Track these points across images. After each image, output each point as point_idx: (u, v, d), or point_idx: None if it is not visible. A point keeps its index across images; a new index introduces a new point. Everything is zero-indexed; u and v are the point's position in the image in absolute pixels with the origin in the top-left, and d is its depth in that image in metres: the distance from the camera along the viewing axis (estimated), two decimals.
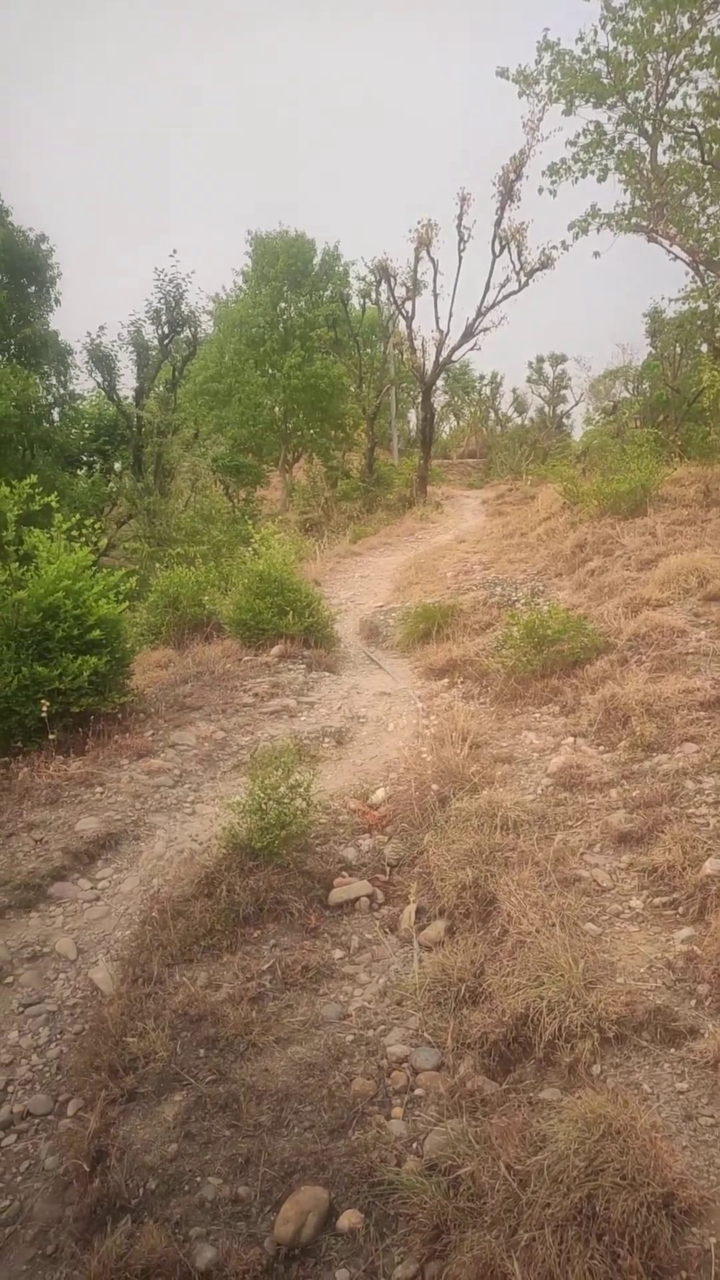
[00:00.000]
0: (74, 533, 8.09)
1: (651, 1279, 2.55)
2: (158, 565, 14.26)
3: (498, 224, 22.34)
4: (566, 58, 17.81)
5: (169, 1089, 3.70)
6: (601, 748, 6.26)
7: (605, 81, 17.58)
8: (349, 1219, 3.09)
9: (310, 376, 31.31)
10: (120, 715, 7.88)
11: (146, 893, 5.35)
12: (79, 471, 27.76)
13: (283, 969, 4.44)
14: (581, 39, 17.56)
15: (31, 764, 7.00)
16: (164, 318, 21.38)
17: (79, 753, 7.27)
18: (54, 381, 25.60)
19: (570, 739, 6.49)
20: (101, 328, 21.08)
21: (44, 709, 7.05)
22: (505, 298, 23.22)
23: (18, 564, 7.56)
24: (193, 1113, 3.57)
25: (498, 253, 22.69)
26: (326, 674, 9.56)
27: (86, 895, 5.49)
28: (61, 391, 26.17)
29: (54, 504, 7.87)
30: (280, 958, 4.53)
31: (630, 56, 17.29)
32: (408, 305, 25.29)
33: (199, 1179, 3.30)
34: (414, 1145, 3.35)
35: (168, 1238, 3.04)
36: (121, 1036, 3.97)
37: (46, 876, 5.62)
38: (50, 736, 7.18)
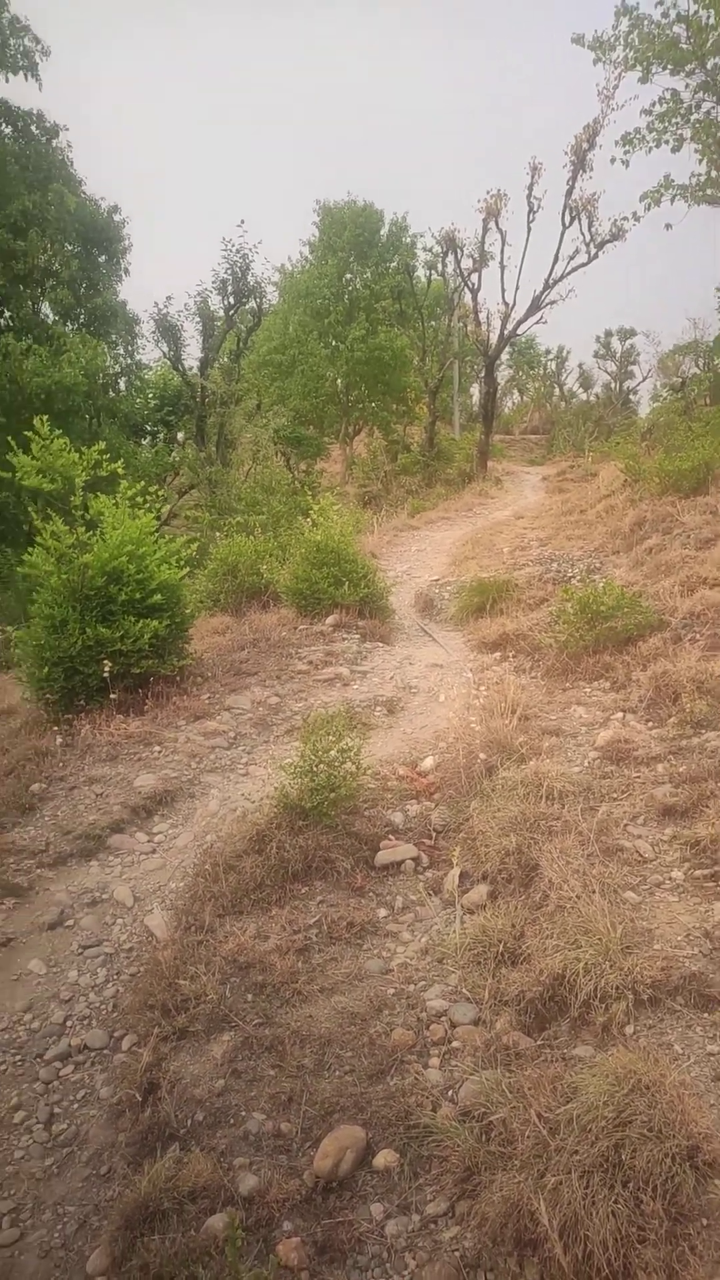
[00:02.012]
0: (138, 499, 8.30)
1: (672, 1223, 2.65)
2: (218, 534, 14.49)
3: (569, 194, 21.92)
4: (645, 22, 17.36)
5: (218, 1029, 3.89)
6: (650, 723, 6.29)
7: (684, 47, 17.10)
8: (385, 1158, 3.24)
9: (373, 349, 31.23)
10: (179, 678, 8.10)
11: (200, 847, 5.55)
12: (143, 441, 28.16)
13: (329, 924, 4.60)
14: (661, 2, 17.10)
15: (93, 722, 7.26)
16: (230, 288, 21.50)
17: (138, 713, 7.51)
18: (121, 351, 25.92)
19: (619, 714, 6.53)
20: (169, 298, 21.32)
21: (106, 669, 7.29)
22: (574, 270, 22.83)
23: (84, 528, 7.79)
24: (240, 1052, 3.76)
25: (567, 224, 22.28)
26: (380, 644, 9.68)
27: (143, 847, 5.72)
28: (128, 361, 26.49)
29: (120, 471, 8.08)
30: (326, 913, 4.69)
31: (711, 20, 16.78)
32: (474, 277, 25.02)
33: (244, 1113, 3.48)
34: (449, 1093, 3.48)
35: (213, 1165, 3.23)
36: (174, 979, 4.17)
37: (106, 828, 5.86)
38: (112, 696, 7.43)
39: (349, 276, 32.45)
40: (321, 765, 5.35)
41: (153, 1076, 3.68)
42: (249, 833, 5.29)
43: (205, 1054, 3.78)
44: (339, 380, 33.32)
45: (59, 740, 7.09)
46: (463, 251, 25.39)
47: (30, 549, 7.77)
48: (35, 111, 21.02)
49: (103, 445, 7.81)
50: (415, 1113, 3.38)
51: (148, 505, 8.39)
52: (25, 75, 19.53)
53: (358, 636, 9.59)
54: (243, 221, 34.38)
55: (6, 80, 19.26)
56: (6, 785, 6.55)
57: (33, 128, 20.88)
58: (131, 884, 5.30)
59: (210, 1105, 3.52)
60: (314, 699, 7.98)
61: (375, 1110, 3.43)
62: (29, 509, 17.65)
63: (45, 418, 7.74)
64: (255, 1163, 3.28)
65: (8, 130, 20.63)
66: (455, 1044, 3.75)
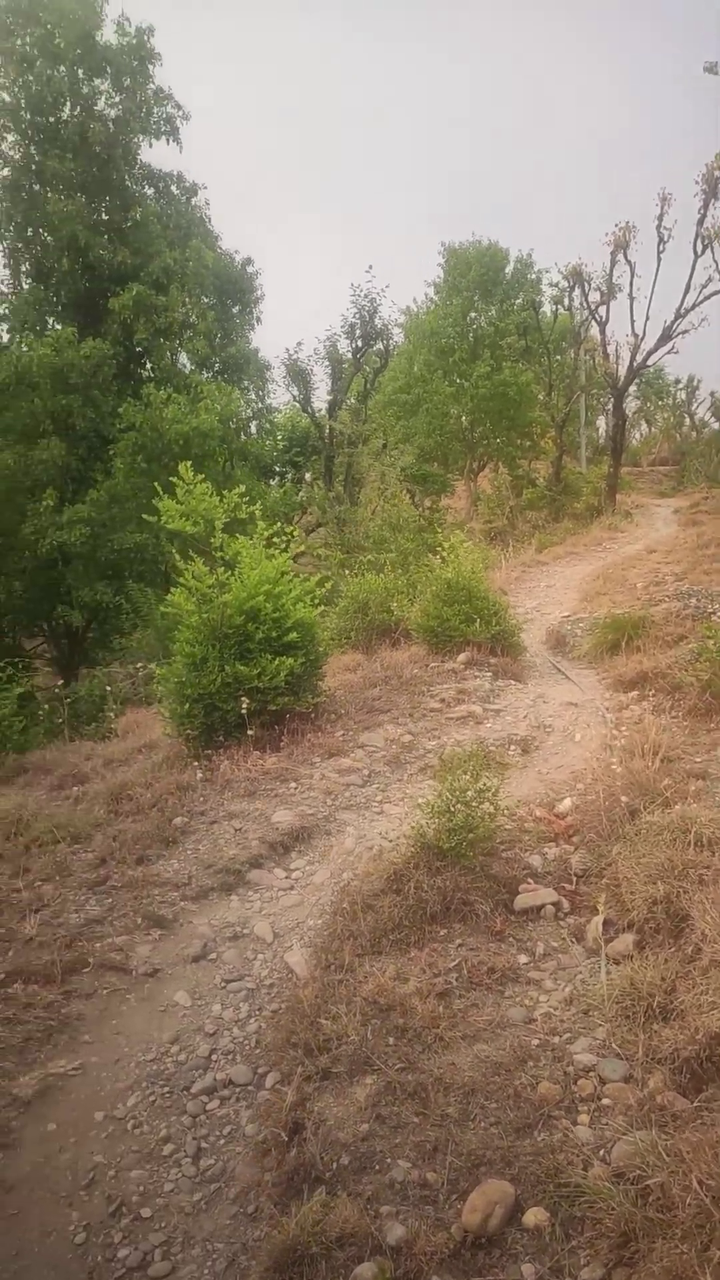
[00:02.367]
0: (274, 540, 8.52)
1: None
2: (346, 572, 14.71)
3: (700, 222, 21.50)
4: None
5: (360, 1071, 3.87)
6: None
7: None
8: (535, 1216, 3.14)
9: (498, 385, 31.18)
10: (313, 715, 8.22)
11: (337, 885, 5.58)
12: (271, 481, 28.97)
13: (469, 968, 4.53)
14: None
15: (232, 758, 7.44)
16: (358, 331, 21.96)
17: (275, 749, 7.65)
18: (253, 396, 26.85)
19: None
20: (299, 343, 21.97)
21: (244, 706, 7.47)
22: (706, 299, 22.31)
23: (223, 569, 8.05)
24: (383, 1097, 3.72)
25: (700, 252, 21.83)
26: (512, 682, 9.58)
27: (281, 883, 5.79)
28: (259, 405, 27.41)
29: (257, 513, 8.32)
30: (466, 957, 4.62)
31: None
32: (602, 310, 24.77)
33: (389, 1160, 3.44)
34: (600, 1152, 3.35)
35: (360, 1211, 3.20)
36: (316, 1018, 4.18)
37: (245, 863, 5.97)
38: (249, 732, 7.60)
39: (473, 315, 32.62)
40: (459, 805, 5.31)
41: (297, 1116, 3.69)
42: (386, 872, 5.28)
43: (348, 1096, 3.77)
44: (464, 417, 33.41)
45: (199, 775, 7.29)
46: (590, 285, 25.21)
47: (170, 589, 8.07)
48: (176, 173, 22.20)
49: (242, 488, 8.07)
50: (565, 1171, 3.26)
51: (282, 545, 8.60)
52: (167, 140, 20.66)
53: (490, 674, 9.51)
54: (371, 267, 35.27)
55: (150, 145, 20.41)
56: (150, 818, 6.77)
57: (173, 188, 22.03)
58: (271, 920, 5.37)
59: (355, 1149, 3.50)
60: (447, 737, 7.94)
61: (523, 1166, 3.33)
62: (167, 550, 18.37)
63: (188, 463, 8.06)
64: (402, 1212, 3.24)
65: (150, 192, 21.82)
66: (605, 1101, 3.61)
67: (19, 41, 19.36)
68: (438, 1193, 3.31)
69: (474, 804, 5.35)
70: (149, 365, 21.96)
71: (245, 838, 6.29)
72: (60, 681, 13.69)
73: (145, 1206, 3.46)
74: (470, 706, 8.55)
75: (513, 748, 7.67)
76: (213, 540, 8.10)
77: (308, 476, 28.90)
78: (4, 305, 21.18)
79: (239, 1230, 3.36)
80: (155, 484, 8.59)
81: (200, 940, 5.16)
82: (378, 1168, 3.43)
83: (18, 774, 9.04)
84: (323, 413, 23.34)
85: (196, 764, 7.53)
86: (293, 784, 7.05)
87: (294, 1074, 3.91)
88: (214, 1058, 4.23)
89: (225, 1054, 4.26)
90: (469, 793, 5.41)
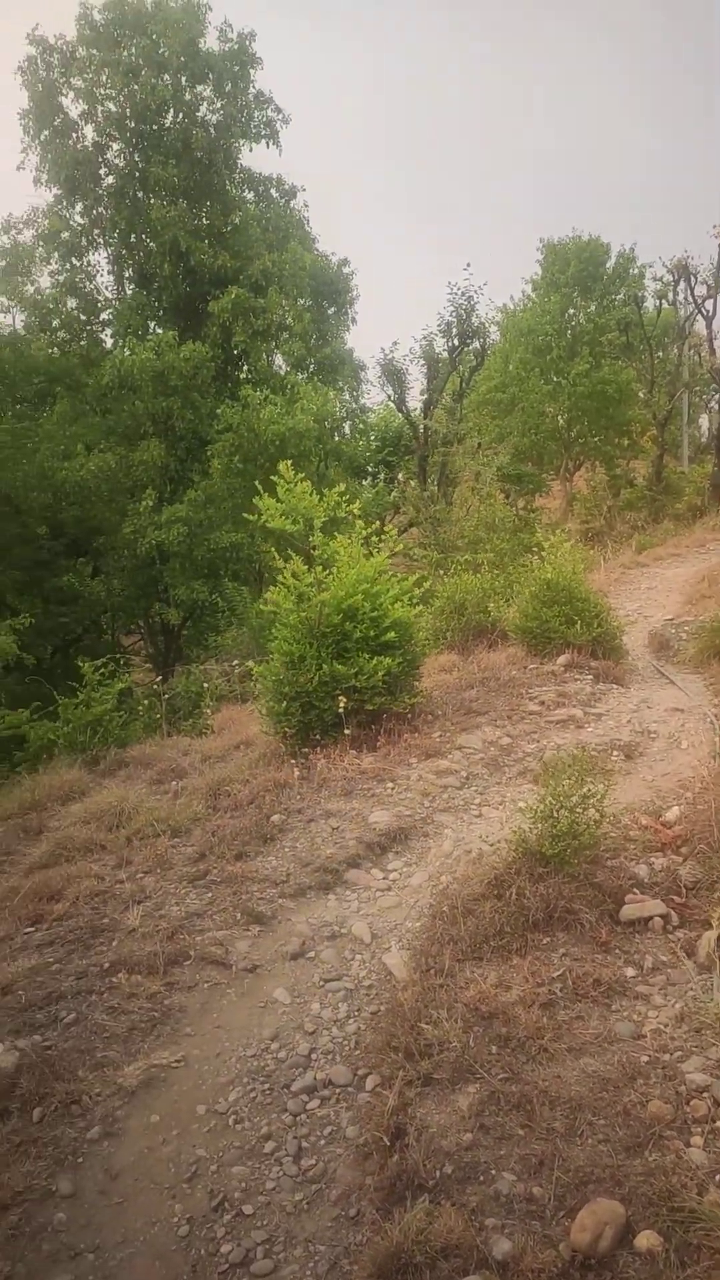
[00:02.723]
0: (372, 539, 8.50)
1: None
2: (441, 572, 14.61)
3: None
4: None
5: (463, 1079, 3.80)
6: None
7: None
8: (647, 1239, 3.02)
9: (597, 383, 30.62)
10: (409, 715, 8.16)
11: (435, 888, 5.51)
12: (363, 481, 29.03)
13: (574, 979, 4.41)
14: None
15: (328, 756, 7.45)
16: (455, 330, 21.82)
17: (371, 749, 7.62)
18: (347, 396, 26.97)
19: None
20: (395, 343, 21.96)
21: (341, 705, 7.47)
22: None
23: (321, 568, 8.06)
24: (486, 1106, 3.64)
25: None
26: (614, 686, 9.34)
27: (379, 884, 5.75)
28: (353, 405, 27.51)
29: (355, 512, 8.32)
30: (571, 968, 4.49)
31: None
32: (708, 304, 24.07)
33: (493, 1171, 3.36)
34: (717, 1177, 3.21)
35: (465, 1223, 3.13)
36: (416, 1022, 4.13)
37: (342, 863, 5.95)
38: (345, 731, 7.59)
39: (572, 311, 32.09)
40: (563, 810, 5.18)
41: (399, 1121, 3.64)
42: (486, 876, 5.19)
43: (451, 1104, 3.70)
44: (560, 416, 32.90)
45: (296, 773, 7.32)
46: (696, 278, 24.51)
47: (263, 588, 8.14)
48: (275, 176, 22.45)
49: (342, 487, 8.08)
50: (679, 1194, 3.13)
51: (380, 545, 8.58)
52: (267, 143, 20.90)
53: (591, 677, 9.30)
54: (469, 265, 34.97)
55: (250, 150, 20.68)
56: (248, 815, 6.82)
57: (273, 191, 22.28)
58: (368, 920, 5.33)
59: (459, 1159, 3.42)
60: (547, 740, 7.79)
61: (633, 1186, 3.21)
62: (265, 550, 18.60)
63: (288, 462, 8.11)
64: (508, 1226, 3.15)
65: (250, 196, 22.12)
66: None
67: (125, 53, 19.85)
68: (544, 1208, 3.21)
69: (578, 810, 5.21)
70: (246, 367, 22.26)
71: (342, 837, 6.28)
72: (159, 678, 13.96)
73: (247, 1203, 3.46)
74: (571, 710, 8.37)
75: (615, 753, 7.47)
76: (311, 539, 8.12)
77: (400, 476, 28.87)
78: (108, 311, 21.76)
79: (341, 1233, 3.33)
80: (256, 483, 8.67)
81: (298, 938, 5.16)
82: (482, 1179, 3.35)
83: (119, 768, 9.24)
84: (418, 412, 23.26)
85: (293, 762, 7.56)
86: (389, 784, 7.01)
87: (395, 1078, 3.86)
88: (314, 1057, 4.22)
89: (325, 1054, 4.24)
90: (573, 798, 5.27)
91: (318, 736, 7.71)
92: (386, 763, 7.35)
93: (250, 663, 8.75)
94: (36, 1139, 3.74)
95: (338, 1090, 4.00)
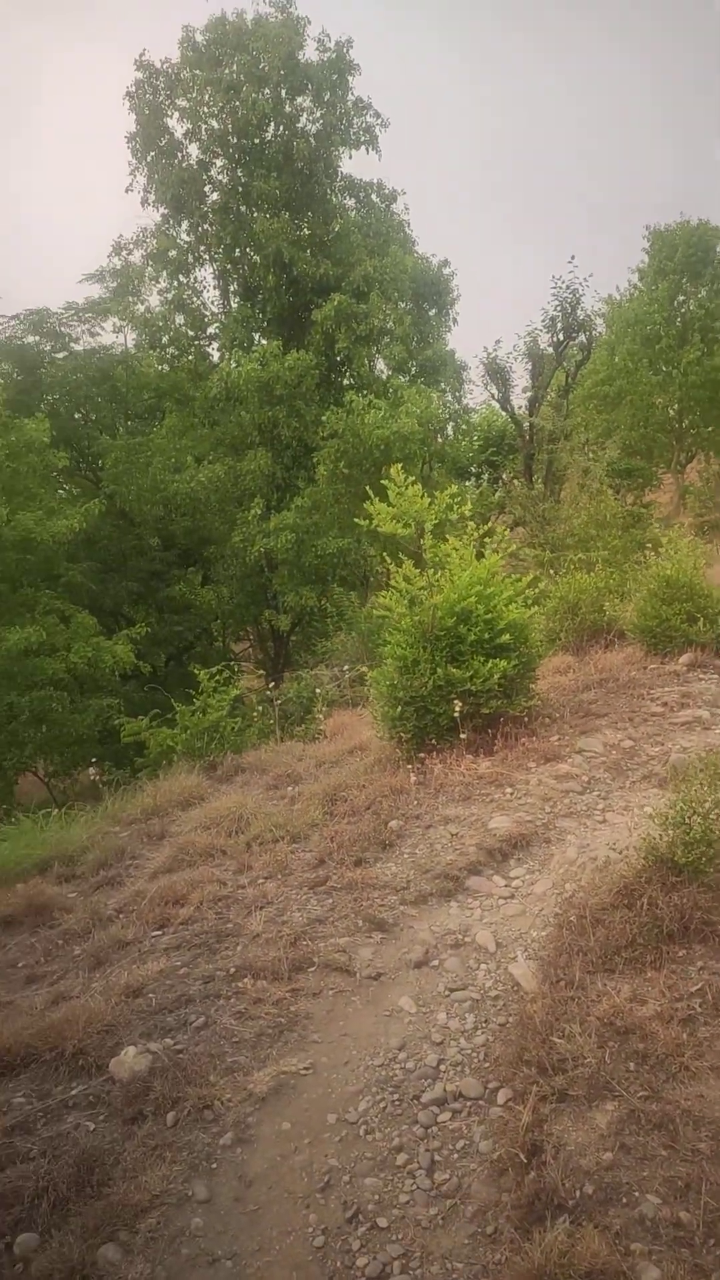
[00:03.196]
0: (484, 540, 8.39)
1: None
2: (552, 571, 14.34)
3: None
4: None
5: (599, 1096, 3.67)
6: None
7: None
8: None
9: (710, 371, 29.55)
10: (526, 719, 8.01)
11: (561, 896, 5.37)
12: (467, 482, 28.82)
13: (714, 994, 4.21)
14: None
15: (444, 761, 7.37)
16: (559, 325, 21.44)
17: (488, 753, 7.51)
18: (450, 397, 26.81)
19: None
20: (498, 341, 21.75)
21: (456, 709, 7.38)
22: None
23: (434, 571, 8.00)
24: (626, 1125, 3.51)
25: None
26: None
27: (501, 891, 5.64)
28: (456, 406, 27.33)
29: (467, 513, 8.22)
30: (710, 982, 4.29)
31: None
32: None
33: (636, 1193, 3.23)
34: None
35: (609, 1246, 3.01)
36: (548, 1035, 4.01)
37: (463, 870, 5.87)
38: (461, 736, 7.50)
39: (681, 298, 31.07)
40: (695, 816, 4.97)
41: (535, 1138, 3.54)
42: (615, 885, 5.02)
43: (588, 1121, 3.57)
44: (671, 407, 31.88)
45: (412, 779, 7.26)
46: None
47: (369, 592, 8.11)
48: (375, 181, 22.51)
49: (455, 489, 8.00)
50: None
51: (493, 546, 8.45)
52: (366, 149, 20.98)
53: (716, 677, 8.94)
54: (573, 258, 34.25)
55: (350, 156, 20.78)
56: (365, 820, 6.80)
57: (373, 196, 22.35)
58: (492, 929, 5.23)
59: (599, 1179, 3.30)
60: (671, 743, 7.51)
61: None
62: (377, 555, 18.62)
63: (399, 466, 8.07)
64: (655, 1252, 3.02)
65: (350, 202, 22.24)
66: None
67: (227, 71, 20.25)
68: (693, 1235, 3.06)
69: (713, 815, 4.99)
70: (348, 373, 22.39)
71: (462, 843, 6.19)
72: (271, 684, 14.14)
73: (381, 1216, 3.42)
74: (696, 711, 8.05)
75: None
76: (423, 542, 8.07)
77: (505, 475, 28.53)
78: (214, 325, 22.21)
79: (478, 1251, 3.25)
80: (367, 488, 8.66)
81: (421, 946, 5.10)
82: (625, 1200, 3.22)
83: (235, 773, 9.37)
84: (522, 410, 22.94)
85: (409, 767, 7.51)
86: (508, 789, 6.88)
87: (528, 1093, 3.75)
88: (442, 1068, 4.15)
89: (454, 1065, 4.17)
90: (706, 803, 5.06)
91: (433, 741, 7.64)
92: (504, 767, 7.23)
93: (363, 667, 8.73)
94: (171, 1143, 3.79)
95: (469, 1103, 3.92)
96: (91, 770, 10.93)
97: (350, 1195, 3.51)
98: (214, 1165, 3.68)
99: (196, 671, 11.41)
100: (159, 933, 5.81)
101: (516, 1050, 4.04)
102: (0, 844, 8.15)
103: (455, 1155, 3.68)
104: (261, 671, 19.42)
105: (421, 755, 7.59)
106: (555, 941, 4.83)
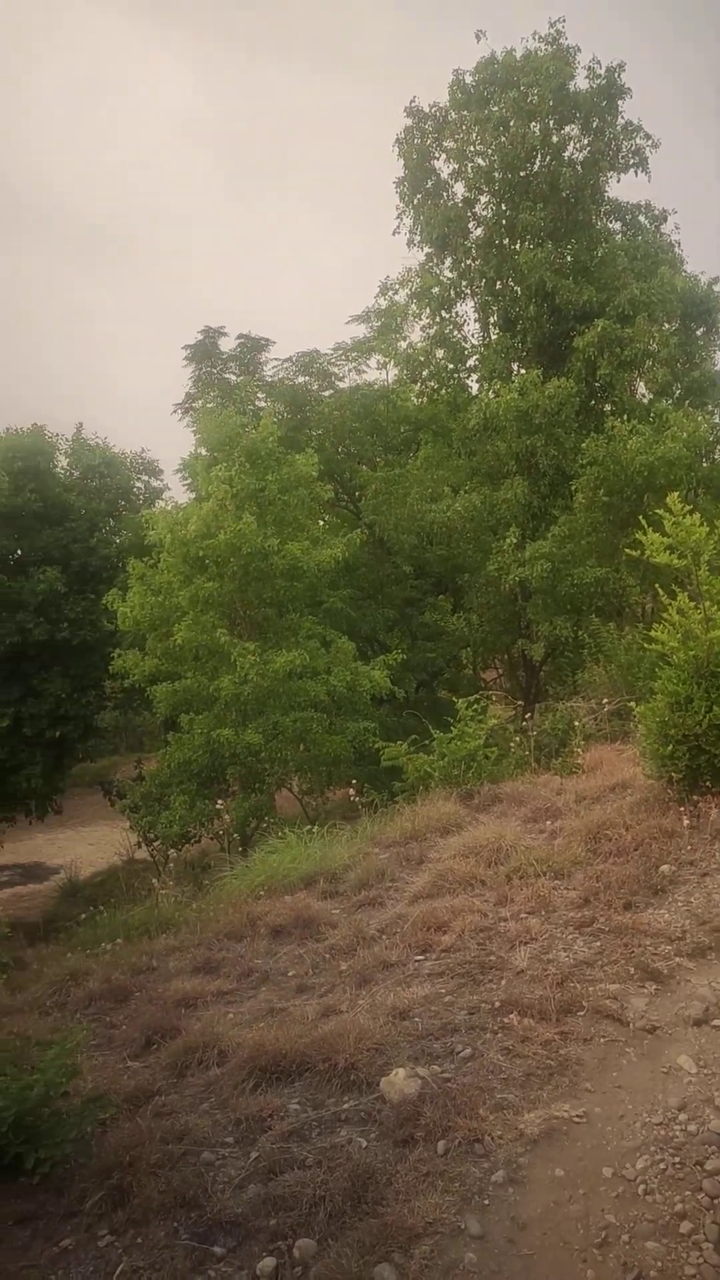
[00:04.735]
0: None
1: None
2: None
3: None
4: None
5: None
6: None
7: None
8: None
9: None
10: None
11: None
12: None
13: None
14: None
15: None
16: None
17: None
18: (718, 420, 25.45)
19: None
20: None
21: None
22: None
23: (710, 603, 7.60)
24: None
25: None
26: None
27: None
28: None
29: None
30: None
31: None
32: None
33: None
34: None
35: None
36: None
37: None
38: None
39: None
40: None
41: None
42: None
43: None
44: None
45: (685, 821, 6.91)
46: None
47: (628, 624, 7.80)
48: (644, 202, 21.97)
49: None
50: None
51: None
52: (635, 171, 20.54)
53: None
54: None
55: (618, 180, 20.44)
56: (634, 862, 6.55)
57: (641, 218, 21.82)
58: None
59: None
60: None
61: None
62: (630, 584, 18.02)
63: (676, 495, 7.76)
64: None
65: (617, 226, 21.84)
66: None
67: (495, 108, 20.59)
68: None
69: None
70: (609, 398, 21.90)
71: None
72: (527, 714, 14.00)
73: None
74: None
75: None
76: (698, 574, 7.69)
77: None
78: (474, 357, 22.52)
79: None
80: (641, 517, 8.39)
81: (701, 1003, 4.80)
82: None
83: (492, 803, 9.35)
84: None
85: (680, 809, 7.15)
86: None
87: None
88: None
89: None
90: None
91: (708, 783, 7.22)
92: None
93: (631, 702, 8.44)
94: (443, 1172, 3.80)
95: None
96: (351, 791, 11.31)
97: (630, 1258, 3.35)
98: (486, 1202, 3.64)
99: (450, 698, 11.52)
100: (421, 957, 5.88)
101: None
102: (270, 855, 8.62)
103: None
104: (519, 701, 19.25)
105: (695, 798, 7.20)
106: None
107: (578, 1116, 4.07)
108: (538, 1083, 4.34)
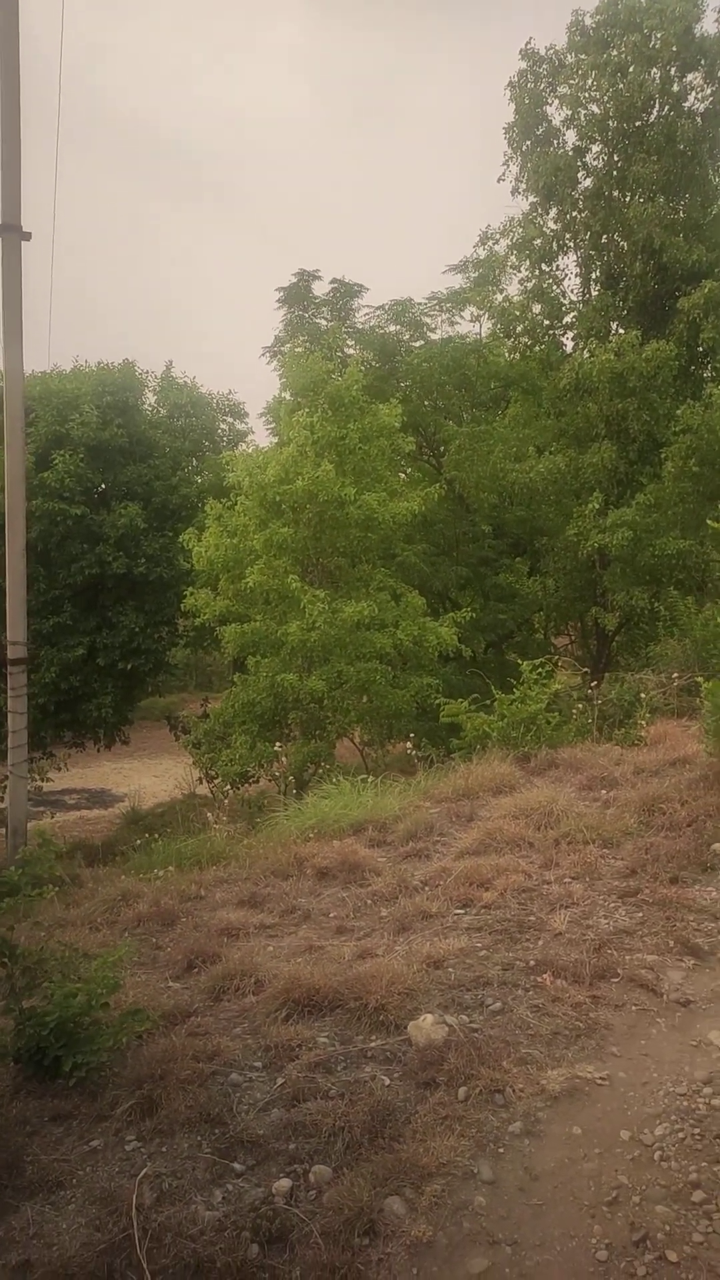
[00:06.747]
0: None
1: None
2: None
3: None
4: None
5: None
6: None
7: None
8: None
9: None
10: None
11: None
12: None
13: None
14: None
15: None
16: None
17: None
18: None
19: None
20: None
21: None
22: None
23: None
24: None
25: None
26: None
27: None
28: None
29: None
30: None
31: None
32: None
33: None
34: None
35: None
36: None
37: None
38: None
39: None
40: None
41: None
42: None
43: None
44: None
45: None
46: None
47: (708, 599, 7.59)
48: None
49: None
50: None
51: None
52: None
53: None
54: None
55: None
56: (686, 837, 6.46)
57: None
58: None
59: None
60: None
61: None
62: (715, 559, 17.52)
63: None
64: None
65: None
66: None
67: (614, 52, 19.71)
68: None
69: None
70: (710, 364, 21.10)
71: None
72: (594, 683, 13.82)
73: (671, 1249, 3.25)
74: None
75: None
76: None
77: None
78: (572, 314, 21.87)
79: None
80: None
81: None
82: None
83: (548, 768, 9.29)
84: None
85: None
86: None
87: None
88: None
89: None
90: None
91: None
92: None
93: (699, 678, 8.26)
94: (461, 1117, 3.86)
95: None
96: (408, 745, 11.36)
97: (639, 1218, 3.37)
98: (501, 1150, 3.70)
99: (517, 661, 11.43)
100: (461, 911, 5.93)
101: None
102: (323, 800, 8.74)
103: None
104: (585, 669, 18.99)
105: None
106: None
107: (601, 1078, 4.08)
108: (564, 1042, 4.37)
